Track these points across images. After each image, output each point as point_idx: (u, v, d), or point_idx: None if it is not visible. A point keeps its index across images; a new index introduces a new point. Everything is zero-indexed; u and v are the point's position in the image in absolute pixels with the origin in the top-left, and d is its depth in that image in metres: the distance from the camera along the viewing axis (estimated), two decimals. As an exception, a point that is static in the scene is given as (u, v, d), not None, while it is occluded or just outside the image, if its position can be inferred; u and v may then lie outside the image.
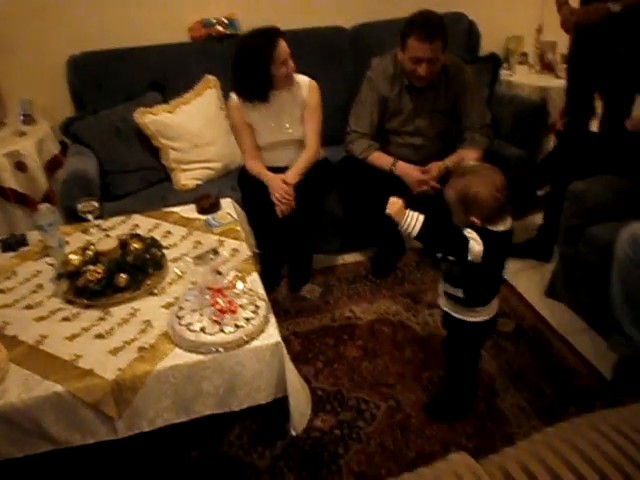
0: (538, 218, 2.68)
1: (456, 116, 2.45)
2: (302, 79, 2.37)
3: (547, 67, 3.37)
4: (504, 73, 3.30)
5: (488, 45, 3.22)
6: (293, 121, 2.38)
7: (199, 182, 2.59)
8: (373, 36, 2.98)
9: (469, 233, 1.44)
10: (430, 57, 2.17)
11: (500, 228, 1.47)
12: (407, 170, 2.35)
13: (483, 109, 2.46)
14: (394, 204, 1.49)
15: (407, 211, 1.46)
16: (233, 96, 2.34)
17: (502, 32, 3.48)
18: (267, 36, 2.19)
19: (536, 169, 2.64)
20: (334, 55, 2.95)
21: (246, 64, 2.22)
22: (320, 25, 2.97)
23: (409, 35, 2.17)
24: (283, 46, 2.19)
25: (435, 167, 2.33)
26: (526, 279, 2.50)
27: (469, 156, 2.38)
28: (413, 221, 1.45)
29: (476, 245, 1.42)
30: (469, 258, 1.44)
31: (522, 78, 3.33)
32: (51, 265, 1.80)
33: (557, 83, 3.17)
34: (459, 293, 1.59)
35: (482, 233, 1.44)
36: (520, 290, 2.42)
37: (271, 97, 2.30)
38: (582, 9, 2.42)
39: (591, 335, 2.08)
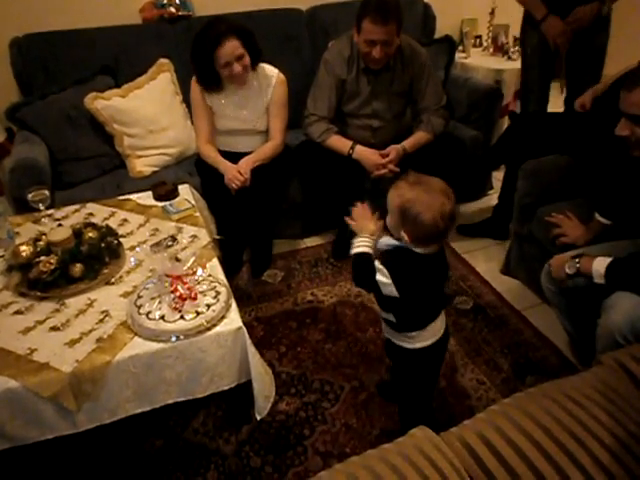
0: (494, 198, 2.75)
1: (412, 98, 2.47)
2: (270, 71, 2.34)
3: (500, 49, 3.43)
4: (459, 56, 3.34)
5: (443, 28, 3.25)
6: (255, 113, 2.36)
7: (155, 169, 2.53)
8: (329, 18, 2.96)
9: (379, 269, 1.33)
10: (384, 39, 2.17)
11: (426, 251, 1.34)
12: (365, 154, 2.36)
13: (439, 91, 2.48)
14: (359, 216, 1.43)
15: (360, 235, 1.40)
16: (195, 80, 2.31)
17: (457, 15, 3.52)
18: (216, 34, 2.13)
19: (491, 150, 2.70)
20: (291, 38, 2.92)
21: (195, 55, 2.21)
22: (276, 7, 2.92)
23: (364, 17, 2.16)
24: (228, 48, 2.12)
25: (393, 150, 2.35)
26: (483, 258, 2.57)
27: (425, 137, 2.41)
28: (356, 244, 1.39)
29: (385, 280, 1.32)
30: (384, 293, 1.35)
31: (476, 60, 3.39)
32: (1, 257, 1.74)
33: (510, 65, 3.24)
34: (391, 317, 1.45)
35: (404, 254, 1.35)
36: (478, 269, 2.49)
37: (230, 87, 2.27)
38: (573, 17, 2.37)
39: (545, 308, 2.15)
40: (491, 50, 3.49)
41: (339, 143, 2.39)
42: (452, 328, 2.11)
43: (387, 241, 1.42)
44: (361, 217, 1.44)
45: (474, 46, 3.55)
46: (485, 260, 2.55)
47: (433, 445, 1.08)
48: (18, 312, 1.52)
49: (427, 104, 2.44)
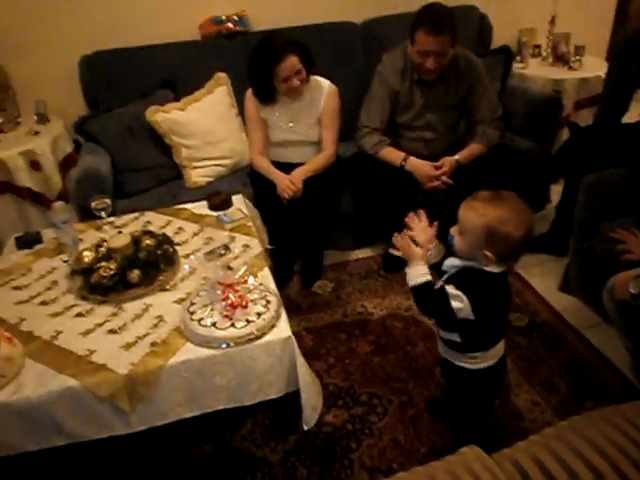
0: (551, 212, 2.65)
1: (467, 110, 2.43)
2: (322, 82, 2.37)
3: (560, 59, 3.33)
4: (517, 66, 3.26)
5: (500, 38, 3.19)
6: (308, 124, 2.39)
7: (210, 179, 2.60)
8: (383, 31, 2.96)
9: (454, 295, 1.28)
10: (438, 50, 2.15)
11: (500, 269, 1.32)
12: (418, 165, 2.33)
13: (494, 102, 2.44)
14: (404, 246, 1.38)
15: (414, 264, 1.35)
16: (250, 89, 2.37)
17: (514, 25, 3.45)
18: (275, 49, 2.18)
19: (550, 162, 2.61)
20: (345, 51, 2.94)
21: (253, 69, 2.26)
22: (330, 20, 2.96)
23: (417, 28, 2.16)
24: (289, 63, 2.17)
25: (447, 162, 2.32)
26: (540, 273, 2.48)
27: (479, 149, 2.37)
28: (415, 274, 1.34)
29: (461, 306, 1.28)
30: (459, 317, 1.30)
31: (535, 71, 3.29)
32: (65, 262, 1.83)
33: (571, 75, 3.13)
34: (455, 337, 1.41)
35: (479, 275, 1.31)
36: (534, 285, 2.40)
37: (284, 99, 2.32)
38: None
39: (606, 329, 2.05)
40: (551, 60, 3.39)
41: (392, 155, 2.38)
42: (506, 346, 2.04)
43: (453, 262, 1.37)
44: (405, 244, 1.38)
45: (533, 56, 3.45)
46: (541, 276, 2.46)
47: (483, 465, 1.05)
48: (79, 315, 1.59)
49: (482, 116, 2.39)
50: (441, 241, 1.45)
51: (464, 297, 1.28)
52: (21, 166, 2.45)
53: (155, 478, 1.68)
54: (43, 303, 1.65)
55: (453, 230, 1.35)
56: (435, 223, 1.45)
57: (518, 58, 3.34)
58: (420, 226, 1.43)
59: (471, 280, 1.31)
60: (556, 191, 2.69)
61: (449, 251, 1.40)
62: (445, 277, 1.39)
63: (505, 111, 2.48)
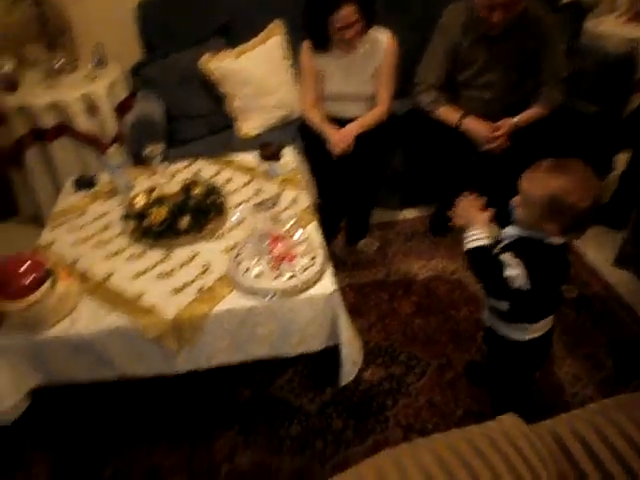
0: (614, 182, 2.51)
1: (531, 69, 2.30)
2: (381, 34, 2.28)
3: (638, 16, 3.08)
4: (589, 23, 3.04)
5: (573, -9, 2.97)
6: (363, 78, 2.31)
7: (261, 130, 2.58)
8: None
9: (509, 263, 1.25)
10: (504, 2, 2.02)
11: (562, 241, 1.28)
12: (475, 126, 2.24)
13: (561, 62, 2.28)
14: (467, 207, 1.36)
15: (473, 228, 1.32)
16: (307, 39, 2.31)
17: (591, -23, 3.20)
18: None
19: (617, 129, 2.46)
20: (402, 0, 2.81)
21: (308, 16, 2.19)
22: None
23: None
24: (344, 13, 2.07)
25: (506, 124, 2.21)
26: (595, 245, 2.38)
27: (540, 112, 2.25)
28: (471, 238, 1.31)
29: (517, 274, 1.24)
30: (513, 287, 1.26)
31: (609, 28, 3.06)
32: (119, 206, 1.88)
33: (649, 34, 2.90)
34: (503, 306, 1.39)
35: (540, 246, 1.27)
36: (587, 257, 2.32)
37: (340, 51, 2.25)
38: None
39: (661, 308, 1.97)
40: (628, 16, 3.14)
41: (448, 113, 2.29)
42: (555, 319, 1.99)
43: (513, 231, 1.34)
44: (468, 208, 1.36)
45: (608, 12, 3.21)
46: (596, 248, 2.36)
47: (522, 434, 1.04)
48: (131, 258, 1.65)
49: (547, 76, 2.25)
50: (496, 213, 1.40)
51: (521, 266, 1.24)
52: (79, 110, 2.50)
53: (196, 418, 1.76)
54: (97, 245, 1.71)
55: (514, 201, 1.31)
56: (489, 210, 1.38)
57: (591, 14, 3.11)
58: (469, 199, 1.38)
59: (530, 250, 1.27)
60: (621, 160, 2.54)
61: (507, 222, 1.36)
62: (502, 244, 1.35)
63: (573, 72, 2.33)
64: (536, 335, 1.41)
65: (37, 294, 1.32)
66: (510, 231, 1.34)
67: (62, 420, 1.76)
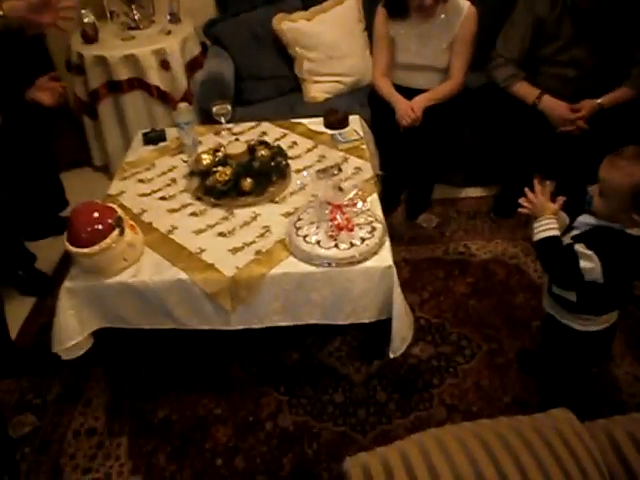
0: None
1: (623, 48, 2.13)
2: (462, 3, 2.18)
3: None
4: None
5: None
6: (438, 48, 2.22)
7: (329, 95, 2.55)
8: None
9: (584, 254, 1.21)
10: None
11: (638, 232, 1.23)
12: (553, 105, 2.12)
13: (660, 43, 2.11)
14: (537, 196, 1.30)
15: (544, 217, 1.28)
16: (382, 4, 2.24)
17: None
18: None
19: None
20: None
21: None
22: None
23: None
24: None
25: (587, 105, 2.08)
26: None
27: (629, 95, 2.10)
28: (542, 227, 1.27)
29: (591, 266, 1.20)
30: (586, 279, 1.22)
31: None
32: (185, 162, 1.91)
33: None
34: (570, 296, 1.33)
35: (616, 236, 1.22)
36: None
37: (417, 18, 2.17)
38: None
39: None
40: None
41: (525, 90, 2.17)
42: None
43: (587, 220, 1.28)
44: (538, 196, 1.30)
45: None
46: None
47: (574, 431, 1.01)
48: (193, 214, 1.69)
49: (641, 56, 2.10)
50: (569, 200, 1.34)
51: (596, 258, 1.20)
52: (152, 64, 2.53)
53: (245, 374, 1.81)
54: (162, 198, 1.76)
55: (592, 190, 1.25)
56: (560, 198, 1.32)
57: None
58: (540, 200, 1.31)
59: (608, 241, 1.22)
60: None
61: (582, 211, 1.30)
62: (574, 233, 1.30)
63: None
64: (600, 328, 1.37)
65: (108, 241, 1.38)
66: (585, 219, 1.29)
67: (122, 361, 1.86)
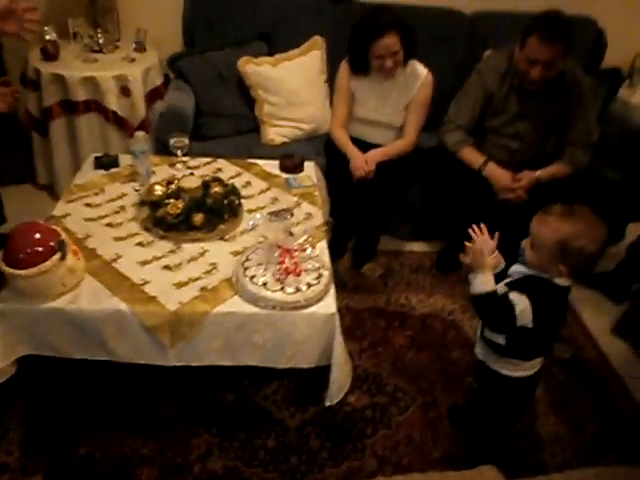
0: (621, 252, 2.52)
1: (561, 127, 2.32)
2: (419, 69, 2.32)
3: (672, 94, 3.12)
4: (623, 92, 3.08)
5: (612, 58, 3.01)
6: (395, 107, 2.35)
7: (286, 140, 2.61)
8: (492, 26, 2.84)
9: (517, 301, 1.30)
10: (547, 60, 2.05)
11: (567, 283, 1.34)
12: (497, 173, 2.26)
13: (592, 126, 2.32)
14: (477, 252, 1.37)
15: (481, 271, 1.35)
16: (346, 60, 2.34)
17: (631, 47, 3.23)
18: (377, 25, 2.14)
19: (635, 200, 2.48)
20: (446, 39, 2.84)
21: (352, 38, 2.24)
22: (440, 5, 2.86)
23: (531, 33, 2.05)
24: (386, 42, 2.12)
25: (527, 176, 2.23)
26: (593, 310, 2.38)
27: (564, 171, 2.28)
28: (481, 282, 1.34)
29: (523, 310, 1.29)
30: (518, 324, 1.31)
31: (640, 100, 3.10)
32: (137, 191, 1.89)
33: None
34: (500, 339, 1.40)
35: (545, 285, 1.32)
36: (585, 320, 2.32)
37: (377, 77, 2.28)
38: None
39: (653, 384, 1.98)
40: (661, 92, 3.18)
41: (472, 156, 2.31)
42: (543, 373, 2.00)
43: (521, 269, 1.39)
44: (481, 249, 1.37)
45: (642, 84, 3.25)
46: (594, 313, 2.37)
47: (500, 488, 1.04)
48: (140, 244, 1.66)
49: (576, 137, 2.28)
50: (504, 252, 1.45)
51: (527, 301, 1.29)
52: (112, 89, 2.52)
53: (176, 413, 1.75)
54: (109, 225, 1.72)
55: (525, 243, 1.36)
56: (496, 234, 1.44)
57: (626, 83, 3.15)
58: (482, 238, 1.41)
59: (537, 289, 1.32)
60: (633, 231, 2.56)
61: (514, 261, 1.41)
62: (508, 281, 1.40)
63: (600, 137, 2.36)
64: (525, 374, 1.44)
65: (48, 264, 1.33)
66: (519, 268, 1.39)
67: (43, 392, 1.75)
